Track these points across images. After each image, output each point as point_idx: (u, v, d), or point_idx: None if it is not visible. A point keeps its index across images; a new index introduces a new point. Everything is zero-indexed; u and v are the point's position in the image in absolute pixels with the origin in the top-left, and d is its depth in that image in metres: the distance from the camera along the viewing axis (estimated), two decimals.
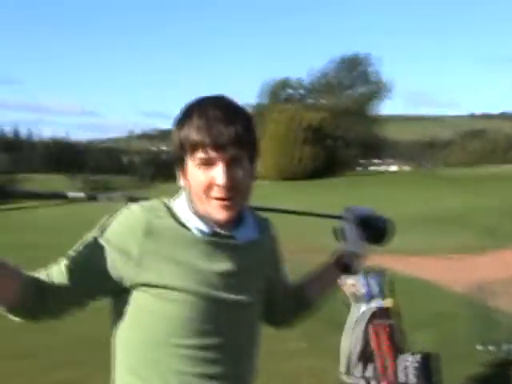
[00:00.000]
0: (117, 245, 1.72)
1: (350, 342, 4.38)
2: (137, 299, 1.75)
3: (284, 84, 69.76)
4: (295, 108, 57.24)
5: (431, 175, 48.17)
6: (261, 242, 1.94)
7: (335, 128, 58.72)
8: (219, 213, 1.74)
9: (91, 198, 1.85)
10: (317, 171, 52.66)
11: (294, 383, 5.82)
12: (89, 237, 1.75)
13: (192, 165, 1.74)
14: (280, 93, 68.83)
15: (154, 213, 1.76)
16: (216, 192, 1.72)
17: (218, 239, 1.79)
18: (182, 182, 1.81)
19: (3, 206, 33.94)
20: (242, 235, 1.85)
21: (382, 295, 4.39)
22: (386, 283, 4.42)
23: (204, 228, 1.77)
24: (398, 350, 4.27)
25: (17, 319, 1.70)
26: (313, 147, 53.89)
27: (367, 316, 4.36)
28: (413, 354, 4.30)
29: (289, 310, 2.18)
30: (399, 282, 4.63)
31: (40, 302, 1.66)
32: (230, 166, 1.72)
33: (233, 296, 1.81)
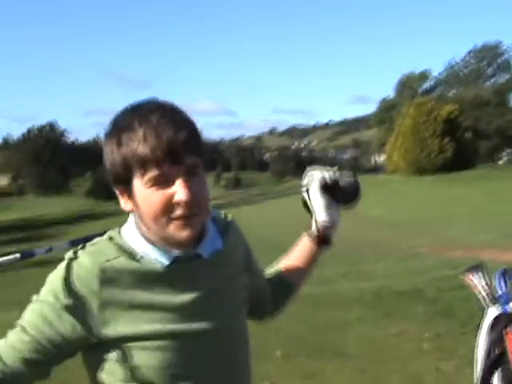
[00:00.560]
0: (74, 306, 1.44)
1: (483, 348, 4.12)
2: (107, 354, 1.49)
3: (422, 77, 69.30)
4: (431, 101, 56.37)
5: None
6: (227, 249, 1.66)
7: (471, 120, 57.78)
8: (183, 232, 1.46)
9: (26, 256, 1.56)
10: (449, 164, 51.90)
11: (418, 383, 5.52)
12: (41, 299, 1.47)
13: (141, 185, 1.43)
14: (417, 86, 68.44)
15: (104, 256, 1.47)
16: (178, 211, 1.44)
17: (181, 264, 1.53)
18: (126, 206, 1.52)
19: None
20: (206, 249, 1.57)
21: None
22: None
23: (163, 259, 1.50)
24: None
25: None
26: (446, 140, 53.16)
27: (503, 320, 4.09)
28: None
29: (273, 301, 1.92)
30: None
31: None
32: (188, 178, 1.44)
33: (211, 323, 1.57)
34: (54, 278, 1.47)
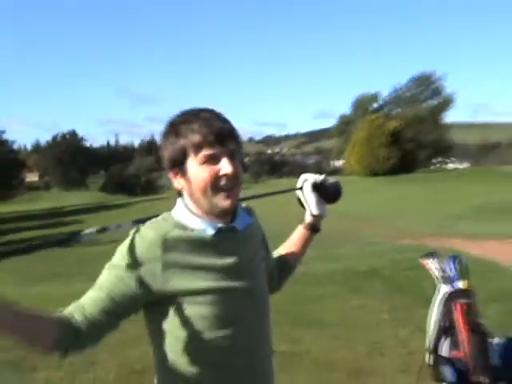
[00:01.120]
0: (142, 268, 1.51)
1: (434, 319, 4.12)
2: (167, 307, 1.56)
3: (373, 98, 70.75)
4: (381, 118, 57.34)
5: (489, 171, 46.96)
6: (253, 226, 1.76)
7: (411, 133, 58.66)
8: (226, 202, 1.56)
9: (102, 231, 1.61)
10: (395, 168, 52.85)
11: (381, 349, 5.53)
12: (113, 263, 1.55)
13: (195, 164, 1.55)
14: (368, 106, 69.81)
15: (163, 229, 1.55)
16: (223, 182, 1.55)
17: (223, 234, 1.60)
18: (178, 185, 1.61)
19: None
20: (240, 223, 1.66)
21: (461, 276, 4.13)
22: (463, 266, 4.16)
23: (209, 229, 1.58)
24: (473, 327, 3.97)
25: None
26: (393, 149, 53.91)
27: (452, 296, 4.10)
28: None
29: (277, 279, 2.02)
30: (470, 262, 4.47)
31: (75, 342, 1.47)
32: (231, 158, 1.56)
33: (249, 283, 1.64)
34: (124, 248, 1.53)
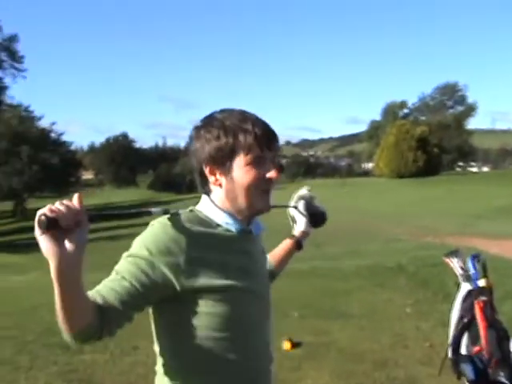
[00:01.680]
0: (165, 259, 1.35)
1: (455, 315, 4.01)
2: (186, 304, 1.40)
3: (401, 105, 70.75)
4: (408, 124, 57.09)
5: (508, 175, 46.36)
6: (261, 234, 1.65)
7: (437, 139, 58.45)
8: (265, 203, 1.47)
9: (166, 212, 1.45)
10: (421, 171, 52.42)
11: (405, 341, 5.41)
12: (135, 253, 1.37)
13: (242, 164, 1.42)
14: (397, 112, 69.72)
15: (188, 222, 1.42)
16: (266, 185, 1.45)
17: (243, 235, 1.49)
18: (217, 182, 1.46)
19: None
20: (255, 228, 1.55)
21: (481, 275, 4.00)
22: (483, 264, 4.02)
23: (235, 226, 1.47)
24: (492, 323, 3.85)
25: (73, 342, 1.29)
26: (419, 153, 53.57)
27: (473, 294, 3.98)
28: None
29: None
30: (489, 260, 4.36)
31: (100, 326, 1.28)
32: (275, 163, 1.48)
33: (261, 285, 1.54)
34: (148, 237, 1.39)
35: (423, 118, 67.77)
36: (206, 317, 1.40)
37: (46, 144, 39.34)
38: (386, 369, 4.64)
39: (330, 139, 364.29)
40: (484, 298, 3.86)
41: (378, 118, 73.94)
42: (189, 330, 1.41)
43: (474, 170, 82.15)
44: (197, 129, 1.48)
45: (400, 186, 43.61)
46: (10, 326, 6.27)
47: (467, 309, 3.96)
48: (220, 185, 1.46)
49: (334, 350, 5.12)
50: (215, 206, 1.47)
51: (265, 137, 1.43)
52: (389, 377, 4.47)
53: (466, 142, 64.83)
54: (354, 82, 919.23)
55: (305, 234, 1.98)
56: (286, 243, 1.97)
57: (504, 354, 3.67)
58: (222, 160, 1.44)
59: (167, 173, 73.61)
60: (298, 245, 1.98)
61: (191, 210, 1.49)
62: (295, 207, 1.98)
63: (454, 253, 4.18)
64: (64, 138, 44.60)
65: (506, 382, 3.57)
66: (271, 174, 1.44)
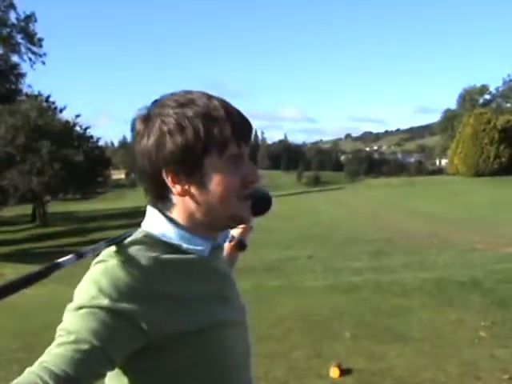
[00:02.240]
0: (129, 302, 1.13)
1: None
2: (164, 354, 1.19)
3: (482, 90, 69.51)
4: (489, 112, 56.48)
5: None
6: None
7: None
8: (248, 212, 1.30)
9: (80, 256, 1.17)
10: (504, 169, 51.69)
11: (476, 372, 5.21)
12: (88, 303, 1.12)
13: (216, 165, 1.22)
14: (477, 98, 68.66)
15: (151, 249, 1.22)
16: (247, 190, 1.27)
17: (214, 253, 1.32)
18: (183, 191, 1.24)
19: None
20: (222, 239, 1.38)
21: None
22: None
23: (206, 246, 1.28)
24: None
25: None
26: (502, 147, 52.86)
27: None
28: None
29: None
30: None
31: None
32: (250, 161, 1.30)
33: (242, 312, 1.40)
34: (100, 278, 1.16)
35: (508, 105, 66.29)
36: (186, 366, 1.23)
37: (70, 139, 40.05)
38: None
39: (397, 132, 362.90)
40: None
41: (452, 106, 73.17)
42: None
43: None
44: (146, 118, 1.26)
45: (478, 186, 43.01)
46: (18, 348, 6.43)
47: None
48: (188, 195, 1.26)
49: (389, 379, 5.02)
50: (173, 225, 1.27)
51: (243, 127, 1.25)
52: None
53: None
54: (424, 65, 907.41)
55: (245, 229, 1.79)
56: (225, 249, 1.68)
57: None
58: (191, 162, 1.23)
59: None
60: (241, 246, 1.79)
61: (144, 233, 1.27)
62: None
63: None
64: (90, 132, 45.51)
65: None
66: (255, 176, 1.28)
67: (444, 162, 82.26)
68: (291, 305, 8.27)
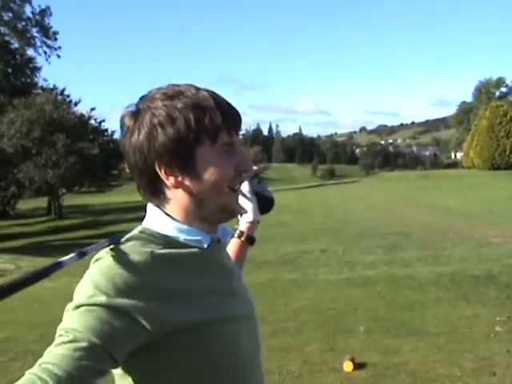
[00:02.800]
0: (128, 298, 1.13)
1: None
2: (168, 352, 1.19)
3: (498, 83, 68.99)
4: (506, 105, 56.13)
5: None
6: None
7: None
8: (238, 204, 1.30)
9: (82, 255, 1.17)
10: None
11: (492, 367, 5.18)
12: (86, 302, 1.12)
13: (208, 156, 1.22)
14: (494, 91, 68.13)
15: (149, 245, 1.21)
16: (239, 180, 1.28)
17: (215, 247, 1.31)
18: (177, 183, 1.24)
19: None
20: (222, 235, 1.37)
21: None
22: None
23: (205, 239, 1.27)
24: None
25: None
26: None
27: None
28: None
29: None
30: None
31: None
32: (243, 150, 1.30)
33: (249, 306, 1.37)
34: (98, 276, 1.16)
35: None
36: (191, 362, 1.21)
37: (85, 132, 40.25)
38: None
39: (412, 125, 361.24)
40: None
41: (469, 99, 72.54)
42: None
43: None
44: (135, 113, 1.26)
45: (494, 179, 42.64)
46: (34, 339, 6.47)
47: None
48: (181, 187, 1.26)
49: (404, 374, 5.01)
50: (171, 219, 1.27)
51: (232, 116, 1.26)
52: None
53: None
54: (440, 57, 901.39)
55: (254, 224, 1.78)
56: (235, 245, 1.76)
57: None
58: (184, 153, 1.23)
59: None
60: (250, 241, 1.78)
61: (140, 229, 1.27)
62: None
63: None
64: (105, 125, 45.60)
65: None
66: (247, 166, 1.28)
67: (459, 155, 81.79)
68: (306, 298, 8.27)
